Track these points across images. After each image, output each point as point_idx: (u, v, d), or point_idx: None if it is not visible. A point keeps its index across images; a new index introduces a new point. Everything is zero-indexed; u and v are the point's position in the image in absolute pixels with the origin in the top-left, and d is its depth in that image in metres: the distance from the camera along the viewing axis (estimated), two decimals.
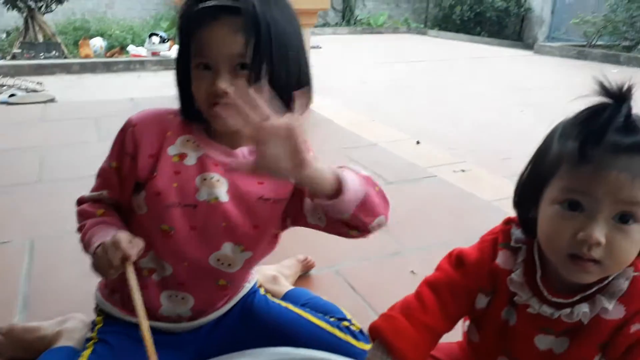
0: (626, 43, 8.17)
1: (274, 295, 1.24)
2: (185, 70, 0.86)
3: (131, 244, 0.81)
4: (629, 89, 0.64)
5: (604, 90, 0.65)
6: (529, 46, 9.45)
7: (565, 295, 0.73)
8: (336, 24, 11.76)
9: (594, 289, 0.71)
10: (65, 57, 6.43)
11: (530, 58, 8.09)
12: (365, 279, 1.51)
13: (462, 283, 0.80)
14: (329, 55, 7.54)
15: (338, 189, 0.74)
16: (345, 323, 1.05)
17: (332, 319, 1.05)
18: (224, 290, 0.98)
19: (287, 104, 0.82)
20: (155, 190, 0.88)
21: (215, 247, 0.92)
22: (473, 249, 0.82)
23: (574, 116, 0.68)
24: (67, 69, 6.01)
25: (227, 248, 0.92)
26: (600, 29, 8.19)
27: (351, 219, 0.79)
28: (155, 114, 0.92)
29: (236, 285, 1.01)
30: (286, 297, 1.24)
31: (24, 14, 6.61)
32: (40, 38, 6.52)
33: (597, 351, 0.73)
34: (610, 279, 0.71)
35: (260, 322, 1.03)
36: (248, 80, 0.81)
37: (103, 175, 0.95)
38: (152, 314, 0.94)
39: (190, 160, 0.89)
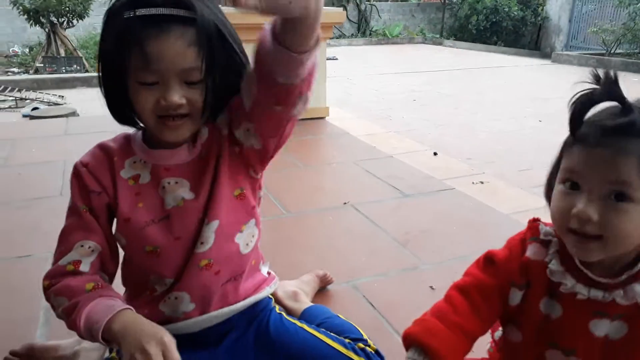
0: None
1: (292, 312, 1.24)
2: (115, 79, 0.83)
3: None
4: (614, 75, 0.69)
5: (594, 78, 0.70)
6: (546, 55, 9.38)
7: (611, 277, 0.73)
8: (352, 35, 11.82)
9: (638, 268, 0.71)
10: (87, 71, 6.57)
11: (548, 67, 8.02)
12: (384, 295, 1.50)
13: (492, 282, 0.81)
14: (345, 66, 7.57)
15: (317, 41, 0.72)
16: (361, 345, 1.02)
17: (347, 340, 1.03)
18: (210, 268, 0.92)
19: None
20: (124, 217, 0.89)
21: (198, 238, 0.90)
22: (502, 249, 0.84)
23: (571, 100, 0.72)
24: (88, 83, 6.14)
25: (202, 231, 0.90)
26: (620, 37, 8.11)
27: (296, 86, 0.76)
28: (97, 148, 0.93)
29: (222, 260, 0.93)
30: (304, 314, 1.23)
31: (47, 29, 6.78)
32: (62, 52, 6.68)
33: None
34: None
35: (274, 342, 1.01)
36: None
37: (71, 230, 0.89)
38: (161, 321, 0.91)
39: (145, 178, 0.90)
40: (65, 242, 0.89)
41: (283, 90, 0.77)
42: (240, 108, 0.86)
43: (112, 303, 0.82)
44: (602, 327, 0.74)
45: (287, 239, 1.86)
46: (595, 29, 8.32)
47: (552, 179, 0.77)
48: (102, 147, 0.93)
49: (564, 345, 0.77)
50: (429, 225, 1.98)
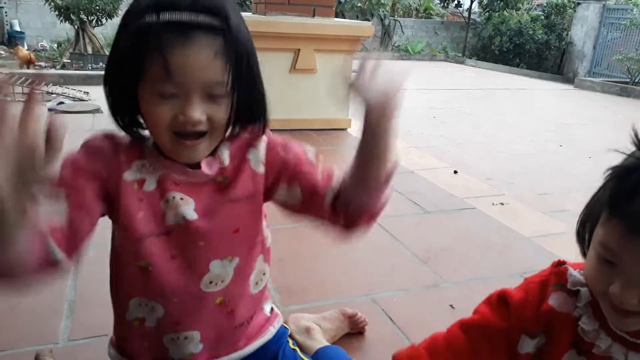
0: None
1: (304, 349, 1.14)
2: (127, 85, 0.74)
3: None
4: None
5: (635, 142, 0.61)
6: (569, 80, 9.34)
7: None
8: (374, 50, 11.87)
9: None
10: None
11: (570, 92, 7.98)
12: (404, 311, 1.49)
13: (501, 325, 0.76)
14: None
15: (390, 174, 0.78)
16: None
17: None
18: (225, 307, 0.86)
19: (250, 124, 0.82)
20: (123, 223, 0.79)
21: (203, 270, 0.83)
22: (518, 290, 0.78)
23: (615, 166, 0.64)
24: None
25: (215, 266, 0.83)
26: None
27: (370, 210, 0.81)
28: (106, 140, 0.80)
29: (235, 299, 0.87)
30: (317, 354, 1.12)
31: (76, 26, 6.92)
32: (89, 50, 6.80)
33: None
34: None
35: None
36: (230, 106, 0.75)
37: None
38: (162, 358, 0.87)
39: (150, 185, 0.80)
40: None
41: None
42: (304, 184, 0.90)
43: None
44: None
45: (306, 249, 1.86)
46: (620, 57, 8.29)
47: (586, 221, 0.71)
48: (111, 139, 0.80)
49: None
50: (450, 243, 1.98)
